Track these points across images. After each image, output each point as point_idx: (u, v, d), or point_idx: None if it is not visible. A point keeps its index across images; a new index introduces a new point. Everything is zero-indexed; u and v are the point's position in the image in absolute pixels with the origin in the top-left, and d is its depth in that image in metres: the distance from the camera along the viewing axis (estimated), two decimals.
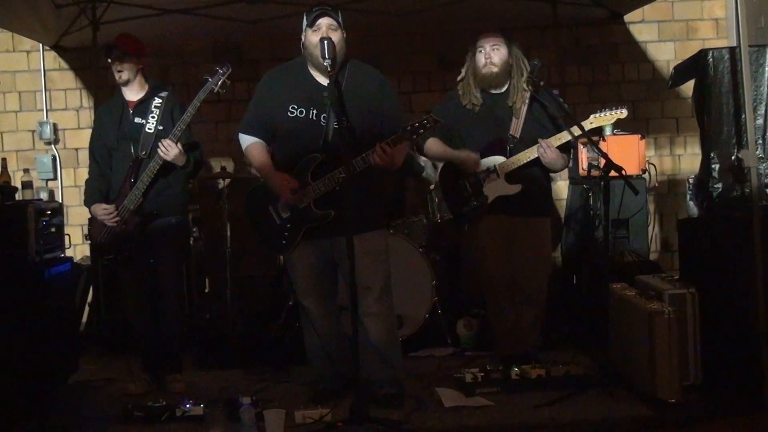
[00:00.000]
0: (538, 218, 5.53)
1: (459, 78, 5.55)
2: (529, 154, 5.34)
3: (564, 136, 5.33)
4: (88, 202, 5.46)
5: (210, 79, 5.25)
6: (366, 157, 4.65)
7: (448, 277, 7.17)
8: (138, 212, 5.29)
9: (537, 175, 5.48)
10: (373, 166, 4.69)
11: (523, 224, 5.46)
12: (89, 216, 5.61)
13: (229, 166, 7.81)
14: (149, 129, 5.35)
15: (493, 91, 5.48)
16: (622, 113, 5.39)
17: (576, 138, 5.38)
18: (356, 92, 4.82)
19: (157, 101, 5.40)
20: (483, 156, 5.45)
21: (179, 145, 5.21)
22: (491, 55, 5.41)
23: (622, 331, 5.13)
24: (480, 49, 5.45)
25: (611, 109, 5.39)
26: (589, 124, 5.37)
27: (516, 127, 5.45)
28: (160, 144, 5.20)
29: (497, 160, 5.42)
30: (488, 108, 5.47)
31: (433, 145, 5.56)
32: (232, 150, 7.86)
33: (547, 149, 5.28)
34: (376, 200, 4.98)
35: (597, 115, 5.40)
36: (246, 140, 5.03)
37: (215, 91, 5.25)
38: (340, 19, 4.80)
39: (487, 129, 5.46)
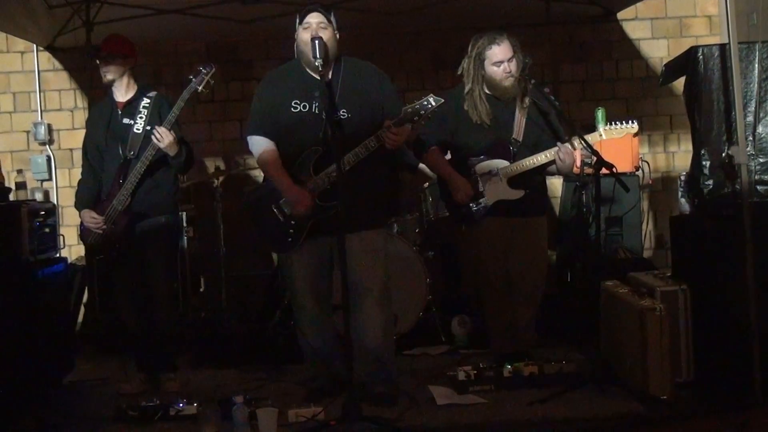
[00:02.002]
0: (535, 217, 5.52)
1: (466, 91, 5.40)
2: (534, 161, 5.29)
3: (595, 137, 5.28)
4: (79, 206, 5.50)
5: (194, 80, 5.28)
6: (368, 145, 4.67)
7: (443, 275, 7.18)
8: (126, 212, 5.32)
9: (534, 176, 5.48)
10: (368, 158, 4.71)
11: (520, 224, 5.44)
12: None
13: (224, 166, 7.82)
14: (137, 129, 5.38)
15: (499, 98, 5.42)
16: (633, 127, 5.32)
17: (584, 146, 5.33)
18: (355, 86, 4.85)
19: (145, 101, 5.44)
20: (486, 159, 5.43)
21: (173, 132, 5.24)
22: (510, 68, 5.28)
23: (615, 328, 5.14)
24: (498, 63, 5.28)
25: (622, 123, 5.32)
26: (598, 136, 5.32)
27: (518, 130, 5.40)
28: (154, 131, 5.22)
29: (500, 163, 5.39)
30: (493, 113, 5.42)
31: (431, 155, 5.51)
32: (226, 150, 7.90)
33: (566, 156, 5.20)
34: (377, 198, 4.98)
35: (608, 127, 5.33)
36: (257, 144, 4.97)
37: (199, 91, 5.29)
38: (332, 18, 4.81)
39: (490, 133, 5.40)
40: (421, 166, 6.75)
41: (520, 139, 5.40)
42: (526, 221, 5.46)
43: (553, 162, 5.30)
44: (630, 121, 5.34)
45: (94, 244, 5.45)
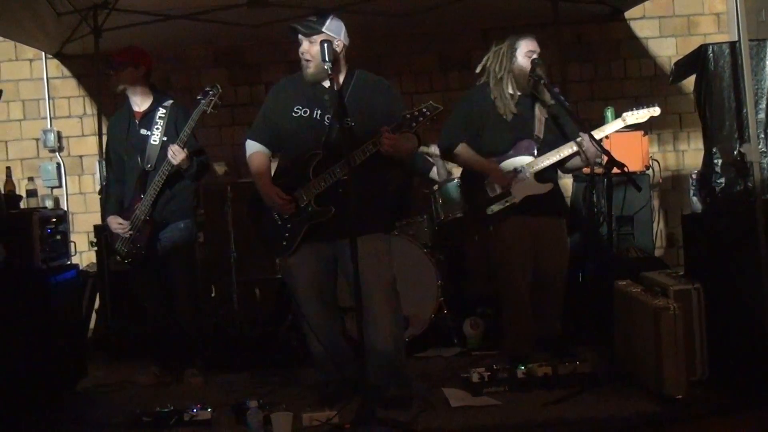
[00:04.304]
0: (558, 218, 5.61)
1: (494, 82, 5.45)
2: (561, 153, 5.33)
3: (606, 129, 5.35)
4: (105, 213, 5.78)
5: (202, 101, 5.44)
6: (365, 149, 4.66)
7: (454, 277, 7.16)
8: (149, 221, 5.55)
9: (554, 175, 5.53)
10: (373, 163, 4.71)
11: (546, 224, 5.51)
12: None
13: (233, 171, 7.82)
14: (154, 141, 5.58)
15: (523, 94, 5.48)
16: (656, 111, 5.37)
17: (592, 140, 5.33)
18: (363, 99, 4.84)
19: (161, 112, 5.62)
20: (511, 156, 5.47)
21: (186, 150, 5.41)
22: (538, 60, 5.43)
23: (628, 327, 5.13)
24: (530, 53, 5.40)
25: (644, 107, 5.37)
26: (622, 122, 5.37)
27: (539, 127, 5.47)
28: (169, 149, 5.40)
29: (524, 160, 5.43)
30: (517, 109, 5.48)
31: (463, 152, 5.53)
32: (235, 154, 7.88)
33: (589, 144, 5.25)
34: (378, 202, 4.96)
35: (631, 113, 5.37)
36: (251, 147, 5.05)
37: (207, 112, 5.45)
38: (325, 26, 4.81)
39: (514, 129, 5.46)
40: (432, 173, 6.79)
41: (542, 136, 5.47)
42: (552, 221, 5.54)
43: (574, 156, 5.35)
44: (652, 105, 5.37)
45: (120, 249, 5.65)
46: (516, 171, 5.42)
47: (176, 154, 5.39)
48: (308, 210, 4.84)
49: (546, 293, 5.58)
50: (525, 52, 5.39)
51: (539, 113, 5.46)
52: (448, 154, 5.64)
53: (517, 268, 5.48)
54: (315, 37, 4.78)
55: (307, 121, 4.86)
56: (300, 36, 4.84)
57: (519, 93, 5.46)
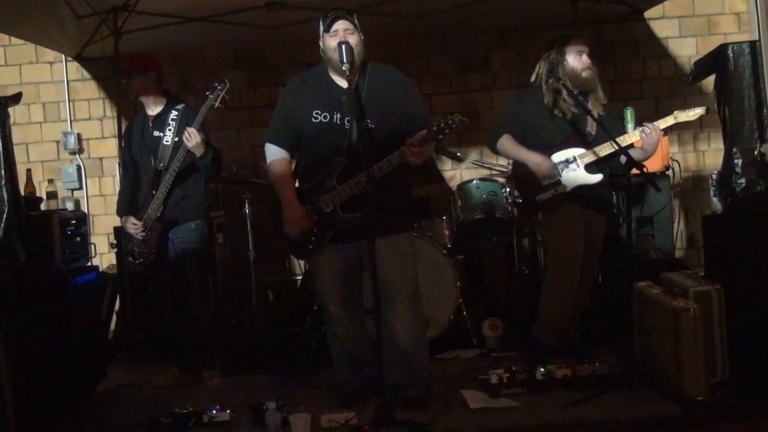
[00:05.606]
0: (603, 215, 5.68)
1: (554, 87, 5.50)
2: (614, 145, 5.35)
3: (670, 120, 5.45)
4: (120, 212, 5.88)
5: (210, 96, 5.54)
6: (390, 161, 4.65)
7: (473, 278, 7.14)
8: (160, 219, 5.63)
9: (605, 171, 5.58)
10: (397, 168, 4.69)
11: (592, 219, 5.57)
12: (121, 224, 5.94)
13: (252, 173, 7.82)
14: (166, 141, 5.67)
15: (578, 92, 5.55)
16: (704, 110, 5.49)
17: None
18: (379, 94, 4.81)
19: (173, 114, 5.72)
20: (563, 148, 5.52)
21: (201, 134, 5.48)
22: (589, 59, 5.55)
23: (648, 329, 5.10)
24: (580, 52, 5.53)
25: (693, 108, 5.49)
26: (673, 119, 5.46)
27: (591, 123, 5.54)
28: (185, 131, 5.48)
29: (577, 151, 5.50)
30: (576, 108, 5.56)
31: (506, 142, 5.61)
32: (255, 156, 7.90)
33: (653, 131, 5.36)
34: (403, 202, 4.97)
35: (681, 111, 5.49)
36: (272, 153, 4.98)
37: (215, 106, 5.55)
38: (356, 22, 4.79)
39: (570, 126, 5.54)
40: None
41: (594, 133, 5.53)
42: (597, 217, 5.60)
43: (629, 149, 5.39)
44: (701, 105, 5.51)
45: (132, 250, 5.76)
46: (567, 161, 5.47)
47: (191, 136, 5.45)
48: (335, 217, 4.81)
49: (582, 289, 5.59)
50: (575, 53, 5.51)
51: (593, 109, 5.53)
52: (493, 147, 5.72)
53: (575, 254, 5.48)
54: (354, 30, 4.76)
55: (328, 127, 4.81)
56: (339, 27, 4.72)
57: (575, 92, 5.52)
